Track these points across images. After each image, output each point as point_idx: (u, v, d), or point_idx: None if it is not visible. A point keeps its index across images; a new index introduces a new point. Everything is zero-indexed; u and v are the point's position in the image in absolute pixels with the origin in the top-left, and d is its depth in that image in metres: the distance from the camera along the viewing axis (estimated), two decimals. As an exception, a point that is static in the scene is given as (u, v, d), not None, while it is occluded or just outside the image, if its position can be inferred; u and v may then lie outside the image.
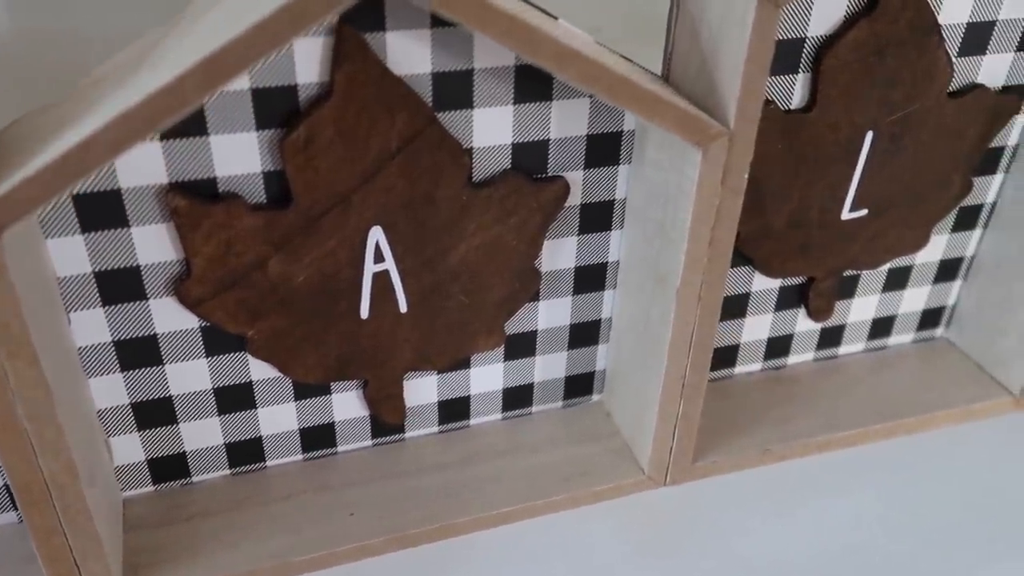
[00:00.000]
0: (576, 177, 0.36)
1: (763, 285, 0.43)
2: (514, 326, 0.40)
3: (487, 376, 0.41)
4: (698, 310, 0.35)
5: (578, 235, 0.38)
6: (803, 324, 0.46)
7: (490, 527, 0.38)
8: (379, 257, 0.34)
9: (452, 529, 0.37)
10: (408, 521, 0.37)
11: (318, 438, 0.40)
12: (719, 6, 0.30)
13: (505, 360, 0.41)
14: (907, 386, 0.46)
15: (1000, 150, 0.43)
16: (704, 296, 0.35)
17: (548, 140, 0.35)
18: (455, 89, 0.32)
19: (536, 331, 0.40)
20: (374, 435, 0.41)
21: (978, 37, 0.38)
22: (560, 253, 0.38)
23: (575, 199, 0.37)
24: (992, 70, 0.40)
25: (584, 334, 0.41)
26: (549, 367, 0.42)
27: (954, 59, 0.39)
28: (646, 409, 0.39)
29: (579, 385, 0.43)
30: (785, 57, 0.36)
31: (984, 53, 0.39)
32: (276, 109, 0.30)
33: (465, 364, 0.40)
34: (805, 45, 0.36)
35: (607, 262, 0.39)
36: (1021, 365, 0.44)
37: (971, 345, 0.48)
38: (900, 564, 0.38)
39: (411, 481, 0.39)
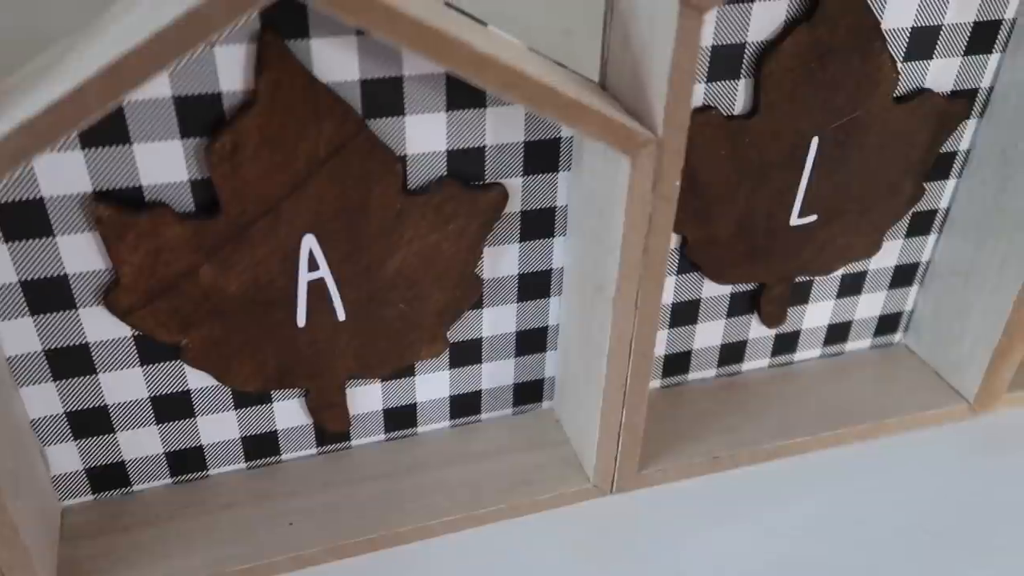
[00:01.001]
0: (515, 184, 0.36)
1: (714, 291, 0.43)
2: (458, 333, 0.39)
3: (433, 384, 0.41)
4: (636, 319, 0.35)
5: (520, 242, 0.38)
6: (757, 330, 0.45)
7: (432, 537, 0.38)
8: (314, 265, 0.34)
9: (392, 539, 0.37)
10: (347, 530, 0.37)
11: (261, 446, 0.39)
12: (646, 13, 0.30)
13: (451, 368, 0.40)
14: (861, 393, 0.46)
15: (952, 155, 0.42)
16: (641, 305, 0.34)
17: (484, 147, 0.35)
18: (385, 96, 0.32)
19: (481, 338, 0.40)
20: (319, 443, 0.40)
21: (924, 42, 0.38)
22: (502, 260, 0.38)
23: (515, 206, 0.37)
24: (940, 75, 0.39)
25: (531, 341, 0.41)
26: (497, 374, 0.42)
27: (899, 64, 0.38)
28: (590, 417, 0.38)
29: (528, 392, 0.43)
30: (725, 63, 0.36)
31: (931, 58, 0.39)
32: (201, 117, 0.30)
33: (409, 372, 0.40)
34: (745, 51, 0.36)
35: (551, 269, 0.39)
36: (975, 371, 0.44)
37: (928, 351, 0.47)
38: (849, 573, 0.38)
39: (354, 490, 0.39)
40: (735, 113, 0.37)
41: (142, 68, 0.23)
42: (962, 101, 0.40)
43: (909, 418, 0.44)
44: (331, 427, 0.39)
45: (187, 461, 0.38)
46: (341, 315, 0.36)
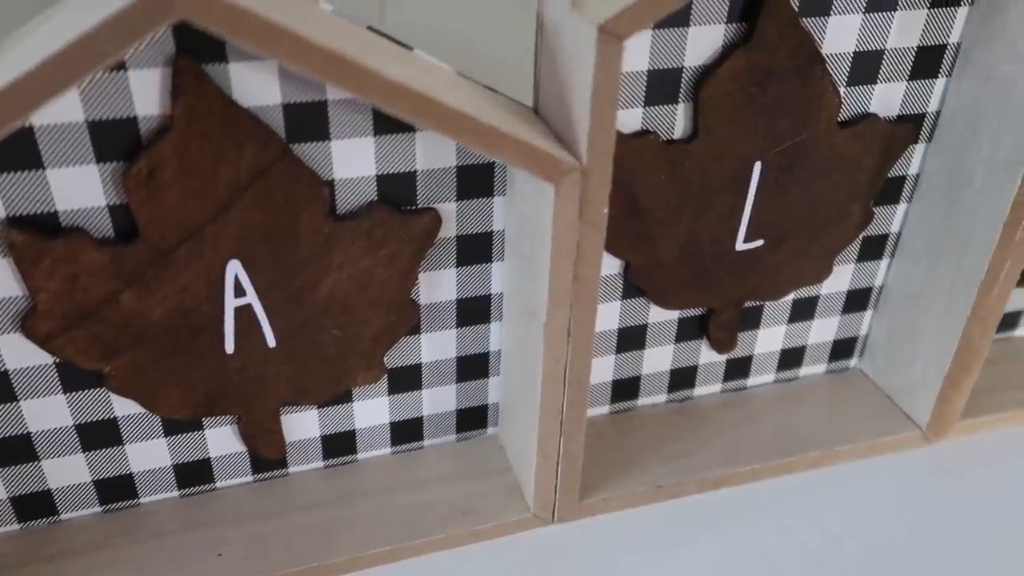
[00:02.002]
0: (449, 209, 0.35)
1: (661, 316, 0.42)
2: (396, 359, 0.39)
3: (372, 410, 0.40)
4: (569, 346, 0.34)
5: (457, 267, 0.37)
6: (708, 355, 0.45)
7: (367, 568, 0.37)
8: (240, 291, 0.34)
9: (323, 570, 0.36)
10: (277, 561, 0.36)
11: (194, 474, 0.39)
12: (569, 40, 0.29)
13: (390, 394, 0.40)
14: (813, 418, 0.45)
15: (902, 179, 0.42)
16: (574, 332, 0.34)
17: (415, 172, 0.34)
18: (309, 120, 0.31)
19: (420, 364, 0.39)
20: (255, 470, 0.40)
21: (867, 66, 0.38)
22: (439, 285, 0.37)
23: (450, 231, 0.36)
24: (885, 99, 0.39)
25: (473, 367, 0.40)
26: (438, 400, 0.41)
27: (843, 88, 0.38)
28: (529, 446, 0.38)
29: (472, 418, 0.42)
30: (662, 87, 0.35)
31: (875, 82, 0.38)
32: (117, 142, 0.30)
33: (347, 398, 0.39)
34: (683, 75, 0.35)
35: (490, 294, 0.38)
36: (927, 398, 0.44)
37: (882, 377, 0.47)
38: (788, 606, 0.37)
39: (289, 519, 0.38)
40: (675, 137, 0.37)
41: (32, 95, 0.23)
42: (908, 126, 0.40)
43: (861, 446, 0.43)
44: (266, 454, 0.39)
45: (116, 489, 0.38)
46: (271, 341, 0.35)
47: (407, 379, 0.39)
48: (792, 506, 0.41)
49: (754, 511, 0.41)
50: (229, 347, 0.35)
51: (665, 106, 0.36)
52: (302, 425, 0.39)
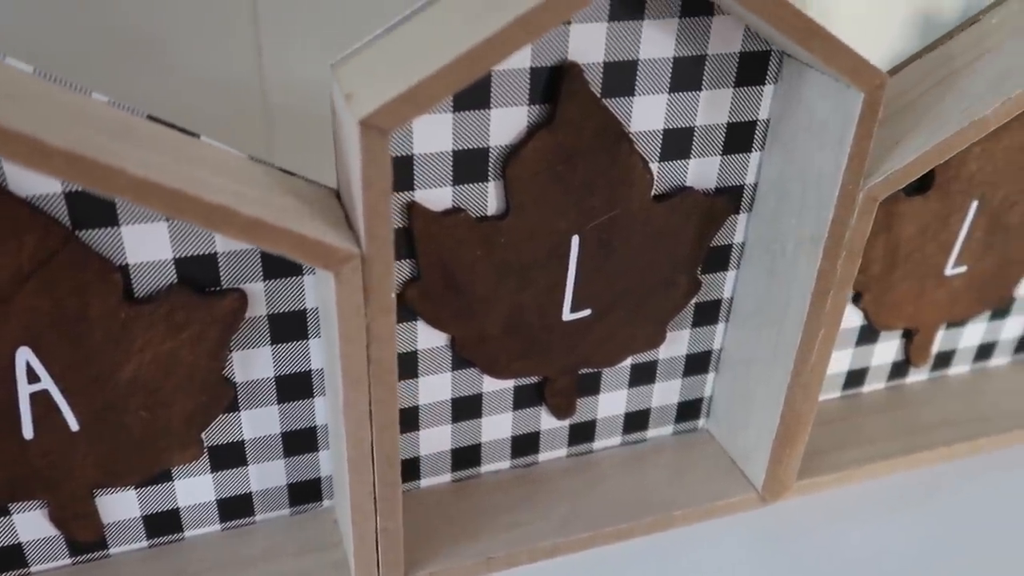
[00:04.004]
0: (256, 288, 0.35)
1: (496, 385, 0.43)
2: (216, 437, 0.38)
3: (195, 488, 0.39)
4: (372, 427, 0.34)
5: (271, 345, 0.37)
6: (549, 421, 0.45)
7: (180, 653, 0.37)
8: (35, 377, 0.33)
9: (130, 658, 0.36)
10: (81, 652, 0.35)
11: (5, 559, 0.38)
12: (346, 131, 0.30)
13: (213, 471, 0.39)
14: (655, 482, 0.45)
15: (729, 247, 0.43)
16: (376, 414, 0.34)
17: (216, 254, 0.34)
18: (94, 208, 0.31)
19: (243, 441, 0.39)
20: (72, 553, 0.39)
21: (679, 143, 0.39)
22: (254, 363, 0.37)
23: (260, 310, 0.36)
24: (700, 173, 0.40)
25: (300, 441, 0.40)
26: (267, 475, 0.40)
27: (655, 164, 0.39)
28: (347, 522, 0.37)
29: (305, 492, 0.42)
30: (469, 166, 0.36)
31: (688, 157, 0.39)
32: None
33: (166, 478, 0.38)
34: (490, 155, 0.36)
35: (311, 370, 0.38)
36: (762, 459, 0.44)
37: (725, 438, 0.48)
38: None
39: (104, 603, 0.38)
40: (488, 214, 0.37)
41: None
42: (726, 198, 0.41)
43: (698, 509, 0.44)
44: (80, 537, 0.38)
45: (-81, 579, 0.37)
46: (74, 425, 0.35)
47: (230, 456, 0.39)
48: (628, 572, 0.42)
49: (587, 580, 0.41)
50: (28, 433, 0.34)
51: (475, 184, 0.36)
52: (121, 505, 0.38)
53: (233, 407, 0.38)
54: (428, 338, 0.39)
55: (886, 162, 0.37)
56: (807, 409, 0.42)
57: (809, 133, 0.37)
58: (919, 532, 0.45)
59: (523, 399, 0.44)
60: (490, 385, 0.42)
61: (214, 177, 0.29)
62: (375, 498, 0.36)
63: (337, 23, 0.56)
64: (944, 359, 0.53)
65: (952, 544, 0.44)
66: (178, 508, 0.39)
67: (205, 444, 0.38)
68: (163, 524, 0.40)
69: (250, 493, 0.41)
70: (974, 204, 0.46)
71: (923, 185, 0.44)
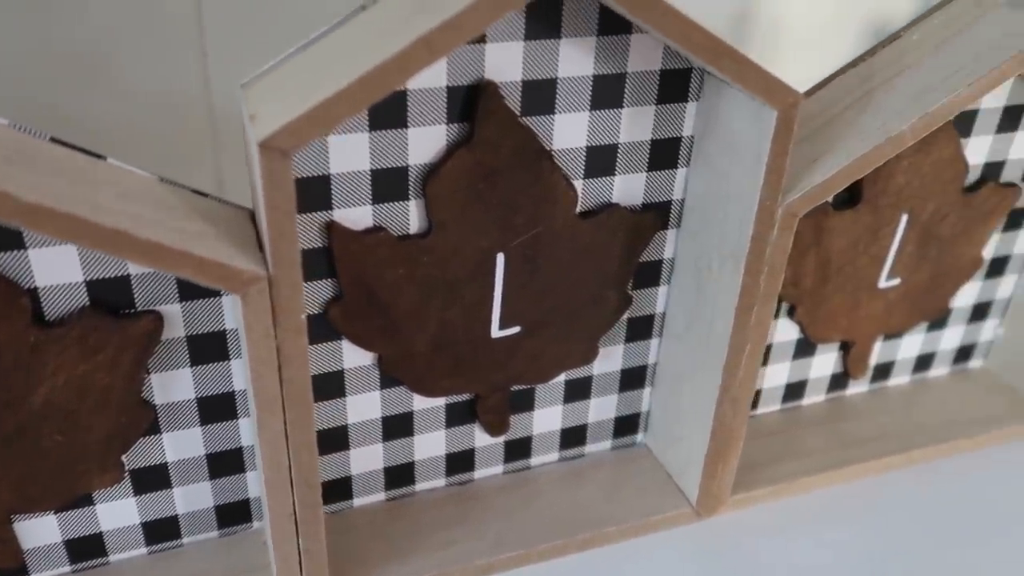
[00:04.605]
0: (173, 310, 0.35)
1: (427, 403, 0.42)
2: (138, 460, 0.38)
3: (118, 511, 0.39)
4: (289, 450, 0.34)
5: (192, 366, 0.37)
6: (483, 438, 0.45)
7: None
8: (-58, 403, 0.33)
9: None
10: None
11: (-80, 588, 0.37)
12: (250, 149, 0.30)
13: (136, 494, 0.39)
14: (591, 498, 0.45)
15: (659, 263, 0.43)
16: (292, 435, 0.33)
17: (128, 276, 0.34)
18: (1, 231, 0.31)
19: (166, 463, 0.38)
20: (-8, 580, 0.38)
21: (602, 160, 0.39)
22: (175, 385, 0.37)
23: (177, 331, 0.36)
24: (626, 190, 0.40)
25: (225, 463, 0.40)
26: (193, 498, 0.40)
27: (579, 181, 0.39)
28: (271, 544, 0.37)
29: (234, 513, 0.41)
30: (389, 185, 0.36)
31: (613, 174, 0.39)
32: None
33: (87, 501, 0.38)
34: (410, 173, 0.36)
35: (233, 391, 0.38)
36: (695, 474, 0.44)
37: (662, 453, 0.48)
38: None
39: (23, 631, 0.37)
40: (410, 233, 0.37)
41: None
42: (653, 214, 0.41)
43: (632, 525, 0.44)
44: (0, 564, 0.37)
45: None
46: (-14, 451, 0.34)
47: (153, 479, 0.39)
48: (559, 590, 0.42)
49: (520, 598, 0.41)
50: (-63, 459, 0.34)
51: (395, 203, 0.36)
52: (41, 530, 0.38)
53: (154, 429, 0.37)
54: (354, 357, 0.39)
55: (804, 178, 0.37)
56: (738, 423, 0.42)
57: (729, 150, 0.37)
58: (855, 545, 0.45)
59: (455, 417, 0.43)
60: (421, 403, 0.42)
61: (115, 201, 0.28)
62: (296, 520, 0.36)
63: (284, 34, 0.56)
64: (883, 371, 0.54)
65: (888, 556, 0.44)
66: (101, 532, 0.39)
67: (126, 467, 0.38)
68: (86, 549, 0.39)
69: (176, 516, 0.40)
70: (904, 217, 0.46)
71: (852, 199, 0.45)
